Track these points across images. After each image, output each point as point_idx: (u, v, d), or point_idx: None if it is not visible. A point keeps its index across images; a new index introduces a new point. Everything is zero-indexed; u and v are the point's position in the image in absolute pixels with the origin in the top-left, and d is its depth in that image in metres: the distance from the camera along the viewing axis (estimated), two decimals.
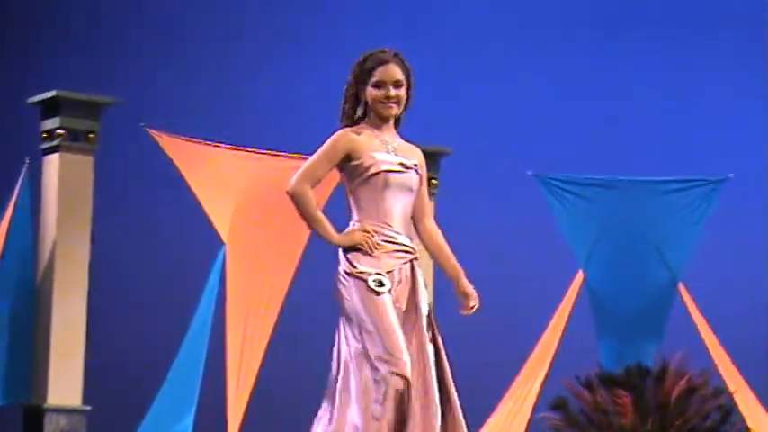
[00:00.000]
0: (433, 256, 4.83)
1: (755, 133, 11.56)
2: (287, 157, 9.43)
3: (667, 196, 10.23)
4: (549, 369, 10.13)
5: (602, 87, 12.04)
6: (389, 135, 4.83)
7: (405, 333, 4.52)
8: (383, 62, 4.86)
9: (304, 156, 9.45)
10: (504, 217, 11.35)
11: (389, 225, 4.64)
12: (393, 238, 4.63)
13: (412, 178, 4.68)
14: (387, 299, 4.52)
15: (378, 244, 4.60)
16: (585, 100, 11.95)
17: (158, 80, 11.68)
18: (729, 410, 9.75)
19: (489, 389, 10.21)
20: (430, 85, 12.46)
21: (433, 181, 9.97)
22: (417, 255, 4.71)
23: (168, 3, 12.05)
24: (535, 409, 10.14)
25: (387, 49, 4.88)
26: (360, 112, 4.82)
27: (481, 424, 10.08)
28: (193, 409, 9.05)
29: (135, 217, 11.16)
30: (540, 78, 12.05)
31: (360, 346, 4.53)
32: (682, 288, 10.07)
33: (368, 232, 4.62)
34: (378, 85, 4.85)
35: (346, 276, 4.62)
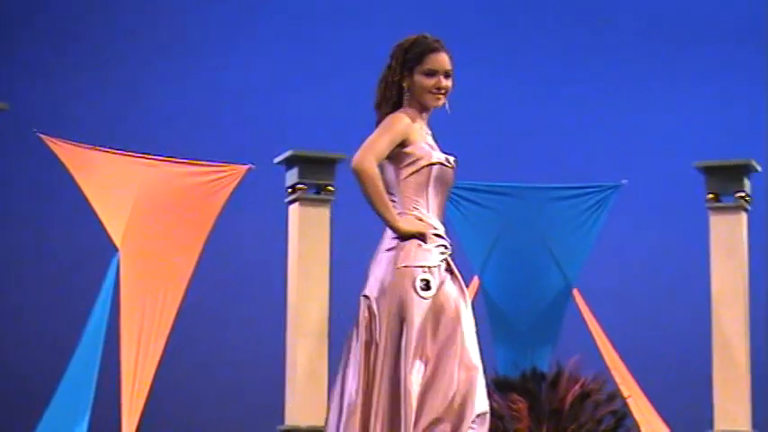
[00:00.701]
0: None
1: (648, 140, 11.75)
2: (181, 162, 9.32)
3: (562, 202, 10.24)
4: None
5: (499, 96, 12.10)
6: (427, 127, 4.68)
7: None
8: (434, 50, 4.66)
9: (199, 161, 9.38)
10: None
11: (435, 218, 4.54)
12: (438, 231, 4.52)
13: (453, 175, 4.62)
14: (425, 305, 4.46)
15: (431, 237, 4.48)
16: (481, 108, 11.89)
17: (49, 85, 11.53)
18: (623, 415, 9.78)
19: None
20: (330, 89, 12.34)
21: (329, 188, 9.91)
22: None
23: (58, 5, 11.90)
24: None
25: (430, 36, 4.69)
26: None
27: None
28: (88, 415, 8.92)
29: (26, 223, 11.03)
30: None
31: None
32: (576, 293, 10.09)
33: (423, 222, 4.49)
34: (429, 74, 4.66)
35: (400, 268, 4.49)
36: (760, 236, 10.32)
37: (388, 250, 4.52)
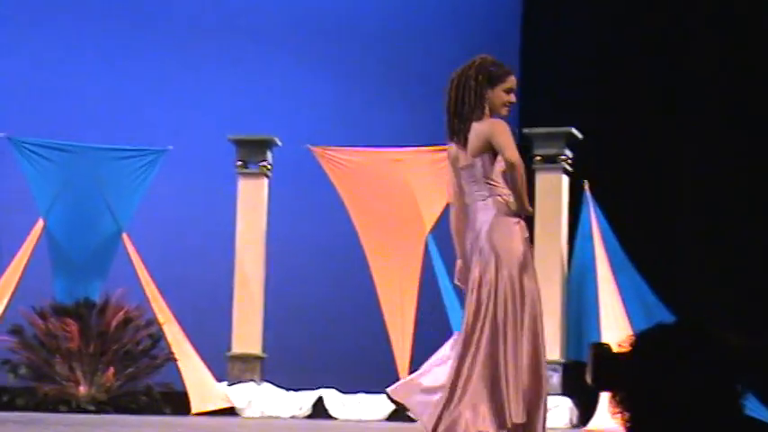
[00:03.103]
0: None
1: (193, 114, 12.22)
2: None
3: (117, 161, 10.88)
4: (10, 300, 10.53)
5: (73, 63, 12.25)
6: None
7: None
8: (511, 72, 5.38)
9: None
10: None
11: None
12: None
13: None
14: None
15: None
16: (56, 73, 12.16)
17: None
18: (158, 338, 10.67)
19: None
20: None
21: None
22: None
23: None
24: None
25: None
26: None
27: None
28: None
29: None
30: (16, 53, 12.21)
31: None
32: (125, 237, 10.71)
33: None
34: (508, 91, 5.34)
35: (525, 239, 5.29)
36: (278, 195, 11.19)
37: (516, 224, 5.29)
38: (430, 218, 10.55)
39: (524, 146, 10.69)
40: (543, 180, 10.45)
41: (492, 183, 5.34)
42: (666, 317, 7.94)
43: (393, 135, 11.38)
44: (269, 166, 11.13)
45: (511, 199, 5.37)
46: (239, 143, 11.10)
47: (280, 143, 11.18)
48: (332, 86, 12.42)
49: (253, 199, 11.06)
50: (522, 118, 11.13)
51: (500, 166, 5.34)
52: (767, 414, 8.71)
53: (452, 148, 5.49)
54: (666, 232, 10.58)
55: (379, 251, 10.72)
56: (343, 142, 11.08)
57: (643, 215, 10.62)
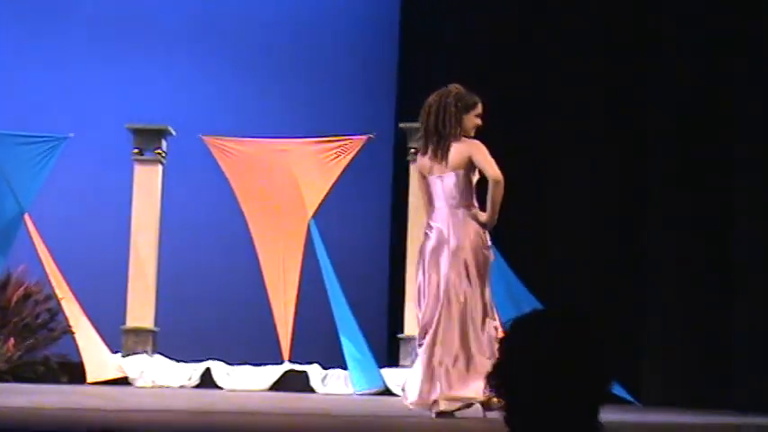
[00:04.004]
0: None
1: (95, 103, 12.26)
2: None
3: (20, 147, 10.89)
4: None
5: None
6: None
7: None
8: (479, 101, 6.36)
9: None
10: None
11: None
12: None
13: None
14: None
15: None
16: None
17: None
18: (56, 312, 10.68)
19: None
20: None
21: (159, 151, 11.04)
22: None
23: None
24: None
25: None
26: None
27: None
28: None
29: None
30: None
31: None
32: (27, 218, 10.78)
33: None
34: (478, 116, 6.32)
35: (488, 246, 6.27)
36: (171, 181, 11.37)
37: (481, 231, 6.26)
38: (312, 204, 10.88)
39: (400, 139, 11.16)
40: (416, 169, 10.71)
41: (465, 193, 6.19)
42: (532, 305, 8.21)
43: (278, 127, 11.70)
44: (163, 154, 11.31)
45: (477, 210, 6.26)
46: (136, 132, 11.25)
47: (174, 132, 11.39)
48: (222, 81, 12.66)
49: (148, 184, 11.22)
50: (398, 114, 11.59)
51: (474, 179, 6.23)
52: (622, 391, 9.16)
53: (425, 159, 6.36)
54: (537, 228, 10.65)
55: (264, 233, 10.98)
56: (232, 133, 11.33)
57: (514, 204, 10.86)
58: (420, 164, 6.56)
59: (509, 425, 2.47)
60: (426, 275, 6.27)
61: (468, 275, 6.15)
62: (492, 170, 6.10)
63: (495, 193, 6.16)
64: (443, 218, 6.34)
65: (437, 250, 6.29)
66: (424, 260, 6.34)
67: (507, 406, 2.46)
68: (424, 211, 6.51)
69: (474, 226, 6.21)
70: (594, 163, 10.59)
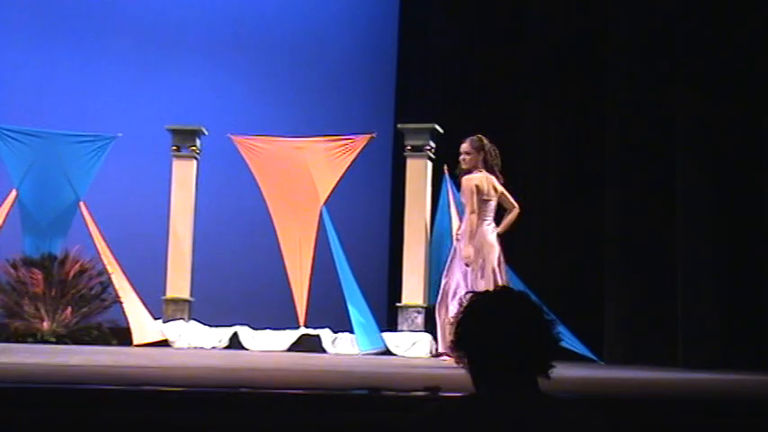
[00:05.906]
0: None
1: (139, 107, 12.27)
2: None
3: (75, 145, 11.01)
4: None
5: (38, 64, 12.31)
6: None
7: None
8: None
9: None
10: None
11: None
12: None
13: None
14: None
15: None
16: (23, 69, 12.30)
17: None
18: (107, 285, 10.77)
19: None
20: None
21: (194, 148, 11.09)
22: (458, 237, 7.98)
23: None
24: None
25: None
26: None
27: None
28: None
29: None
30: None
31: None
32: (82, 205, 10.91)
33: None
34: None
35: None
36: (204, 174, 11.46)
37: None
38: (323, 193, 11.03)
39: (398, 138, 11.44)
40: (412, 165, 10.83)
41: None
42: None
43: (296, 126, 11.86)
44: (198, 151, 11.45)
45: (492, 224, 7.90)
46: (174, 132, 11.40)
47: (206, 132, 11.59)
48: (247, 88, 12.83)
49: (184, 176, 11.35)
50: (396, 115, 11.88)
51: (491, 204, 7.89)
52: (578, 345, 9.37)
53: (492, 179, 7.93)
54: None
55: (283, 217, 11.09)
56: (256, 132, 11.52)
57: None
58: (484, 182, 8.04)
59: (473, 381, 2.51)
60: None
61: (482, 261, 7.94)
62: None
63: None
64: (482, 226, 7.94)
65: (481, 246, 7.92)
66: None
67: (468, 366, 2.48)
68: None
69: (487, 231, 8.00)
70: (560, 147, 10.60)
